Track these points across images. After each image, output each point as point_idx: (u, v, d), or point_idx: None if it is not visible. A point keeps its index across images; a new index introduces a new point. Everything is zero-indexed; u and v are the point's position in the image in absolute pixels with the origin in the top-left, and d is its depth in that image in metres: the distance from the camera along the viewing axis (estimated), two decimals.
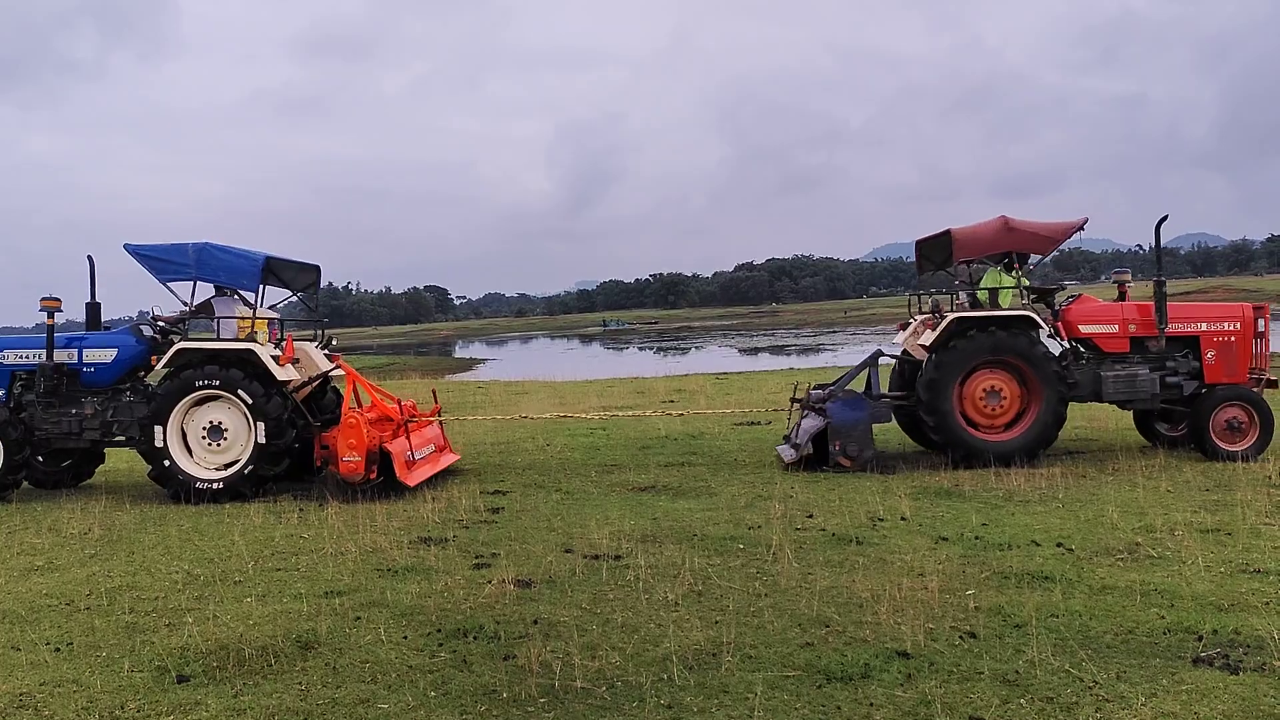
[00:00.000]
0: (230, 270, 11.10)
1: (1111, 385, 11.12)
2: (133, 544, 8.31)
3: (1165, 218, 11.37)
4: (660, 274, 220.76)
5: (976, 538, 7.47)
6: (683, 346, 70.20)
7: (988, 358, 10.95)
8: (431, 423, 12.11)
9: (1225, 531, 7.38)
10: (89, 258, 11.68)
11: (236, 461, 10.68)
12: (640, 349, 70.40)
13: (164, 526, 9.01)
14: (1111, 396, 11.20)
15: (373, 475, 10.42)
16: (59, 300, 11.17)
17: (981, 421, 11.02)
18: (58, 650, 5.58)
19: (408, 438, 10.94)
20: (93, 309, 11.79)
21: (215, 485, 10.52)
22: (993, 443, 10.86)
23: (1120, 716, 4.16)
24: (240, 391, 10.57)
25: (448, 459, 12.01)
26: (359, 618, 5.97)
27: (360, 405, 11.21)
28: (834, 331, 75.46)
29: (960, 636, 5.23)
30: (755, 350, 56.78)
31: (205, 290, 11.50)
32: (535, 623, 5.74)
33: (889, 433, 12.96)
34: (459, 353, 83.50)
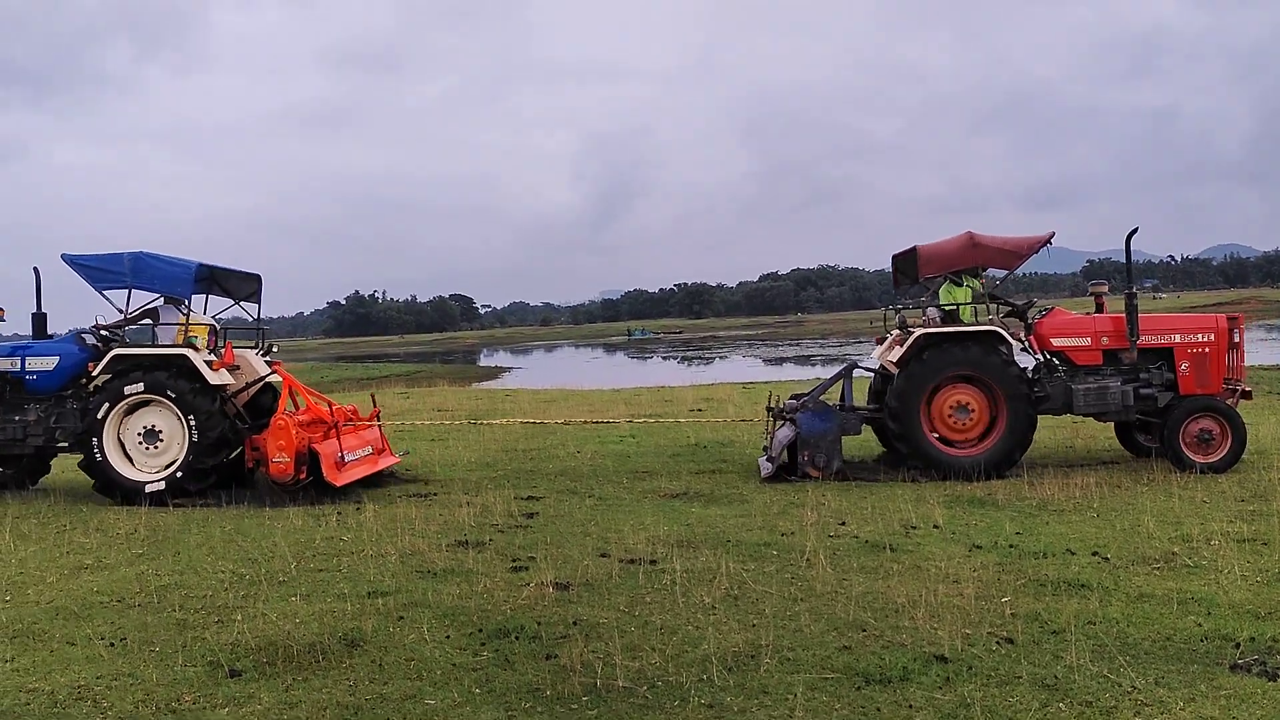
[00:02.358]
0: (165, 278, 11.40)
1: (1082, 398, 11.18)
2: (178, 544, 8.48)
3: (1135, 230, 11.45)
4: (685, 284, 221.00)
5: (1011, 546, 7.51)
6: (708, 356, 70.20)
7: (955, 373, 11.09)
8: (371, 426, 12.45)
9: (1261, 541, 7.38)
10: (35, 269, 12.17)
11: (173, 463, 10.96)
12: (665, 358, 70.45)
13: (207, 528, 9.18)
14: (1082, 409, 11.27)
15: (302, 476, 10.74)
16: (1, 310, 11.71)
17: (950, 436, 11.18)
18: (112, 645, 5.73)
19: (339, 440, 11.23)
20: (38, 319, 12.18)
21: (154, 487, 10.81)
22: (960, 457, 10.99)
23: None
24: (171, 394, 10.88)
25: (386, 461, 12.31)
26: (402, 617, 6.08)
27: (296, 409, 11.55)
28: (860, 341, 75.16)
29: (998, 642, 5.29)
30: (781, 360, 56.65)
31: (141, 298, 11.85)
32: (575, 624, 5.84)
33: None
34: (484, 361, 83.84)
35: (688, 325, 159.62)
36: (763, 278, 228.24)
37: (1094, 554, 7.16)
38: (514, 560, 7.52)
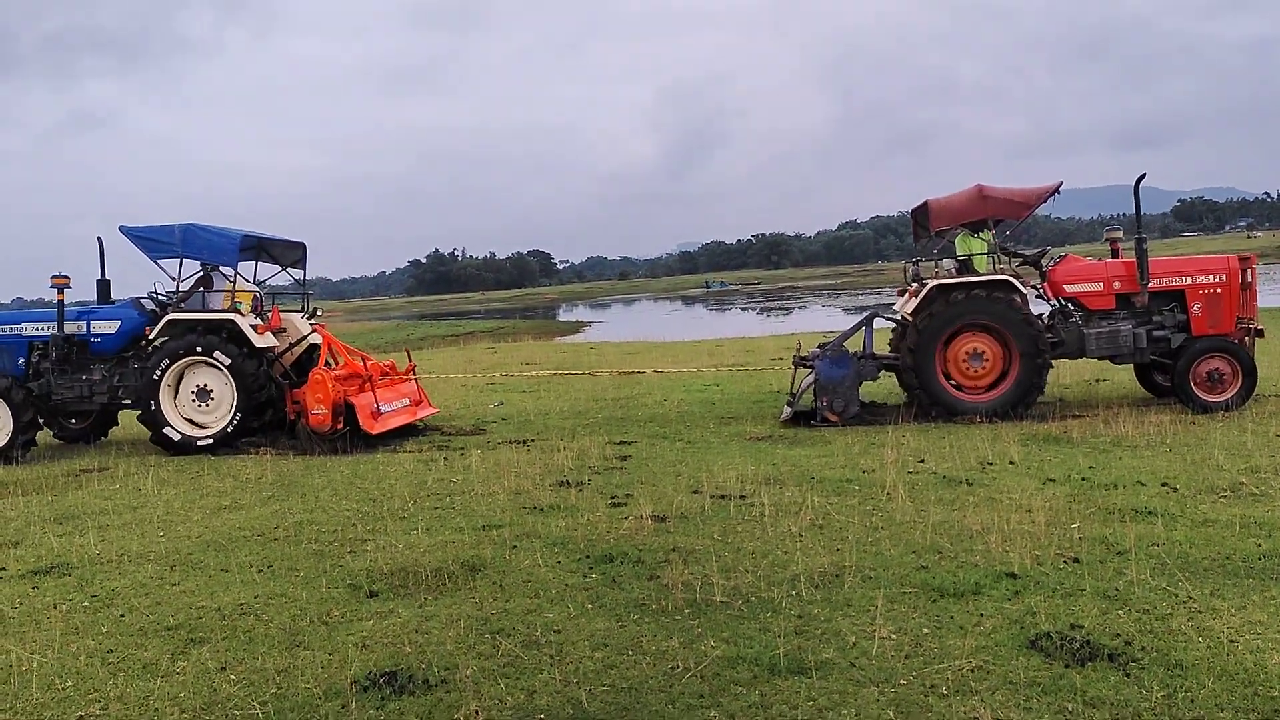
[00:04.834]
0: (211, 248, 12.25)
1: (1094, 341, 11.51)
2: (304, 487, 9.26)
3: (1143, 176, 11.66)
4: (762, 234, 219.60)
5: (1083, 479, 7.87)
6: (786, 307, 70.19)
7: (968, 322, 11.47)
8: (407, 380, 13.26)
9: None
10: (99, 239, 13.04)
11: (223, 419, 11.88)
12: (744, 310, 70.63)
13: (327, 473, 9.96)
14: (1095, 352, 11.58)
15: (339, 426, 11.56)
16: (68, 278, 12.58)
17: (965, 382, 11.56)
18: (261, 572, 6.44)
19: (373, 392, 12.05)
20: (102, 285, 13.12)
21: (205, 441, 11.75)
22: (976, 402, 11.39)
23: (1210, 624, 4.62)
24: (219, 355, 11.77)
25: (424, 411, 13.22)
26: (516, 546, 6.69)
27: (336, 365, 12.41)
28: None
29: (1065, 561, 5.71)
30: (861, 309, 56.37)
31: (193, 267, 12.73)
32: (674, 550, 6.39)
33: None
34: (563, 316, 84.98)
35: (766, 276, 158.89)
36: (841, 226, 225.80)
37: (1163, 485, 7.50)
38: (612, 497, 8.11)
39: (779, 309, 67.27)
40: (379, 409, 11.96)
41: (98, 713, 4.28)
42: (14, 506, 8.95)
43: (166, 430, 11.87)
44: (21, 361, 12.73)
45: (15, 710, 4.34)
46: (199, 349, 11.82)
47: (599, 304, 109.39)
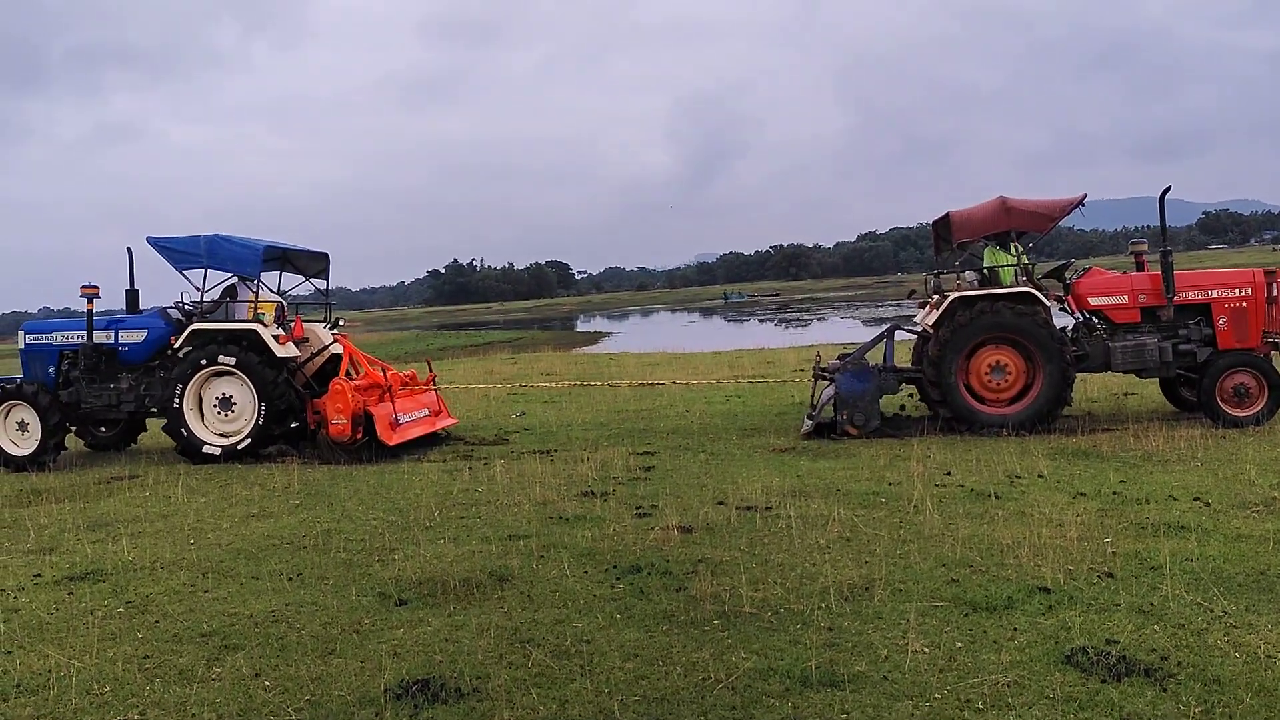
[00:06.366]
0: (235, 259, 12.37)
1: (1120, 355, 11.41)
2: (330, 496, 9.31)
3: (1169, 188, 11.57)
4: (781, 245, 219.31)
5: (1114, 493, 7.82)
6: (805, 318, 70.06)
7: (990, 335, 11.39)
8: (427, 390, 13.33)
9: None
10: (128, 249, 13.13)
11: (246, 427, 11.96)
12: (762, 321, 70.53)
13: (353, 482, 10.01)
14: (1120, 366, 11.49)
15: (358, 436, 11.60)
16: (97, 288, 12.68)
17: (988, 395, 11.48)
18: (291, 580, 6.48)
19: (392, 403, 12.08)
20: (131, 295, 13.21)
21: (233, 448, 11.81)
22: (999, 415, 11.31)
23: (1246, 639, 4.58)
24: (224, 358, 11.87)
25: (444, 422, 13.28)
26: (543, 557, 6.71)
27: (357, 375, 12.45)
28: None
29: (1098, 576, 5.67)
30: (880, 321, 56.21)
31: (217, 278, 12.81)
32: (701, 561, 6.39)
33: None
34: (581, 326, 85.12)
35: (785, 287, 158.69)
36: (860, 237, 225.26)
37: (1195, 500, 7.44)
38: (637, 508, 8.11)
39: (798, 320, 67.16)
40: (397, 419, 12.01)
41: (136, 718, 4.32)
42: (47, 514, 9.04)
43: (206, 450, 11.93)
44: (52, 370, 12.88)
45: (55, 715, 4.38)
46: (204, 361, 11.92)
47: (617, 315, 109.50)
